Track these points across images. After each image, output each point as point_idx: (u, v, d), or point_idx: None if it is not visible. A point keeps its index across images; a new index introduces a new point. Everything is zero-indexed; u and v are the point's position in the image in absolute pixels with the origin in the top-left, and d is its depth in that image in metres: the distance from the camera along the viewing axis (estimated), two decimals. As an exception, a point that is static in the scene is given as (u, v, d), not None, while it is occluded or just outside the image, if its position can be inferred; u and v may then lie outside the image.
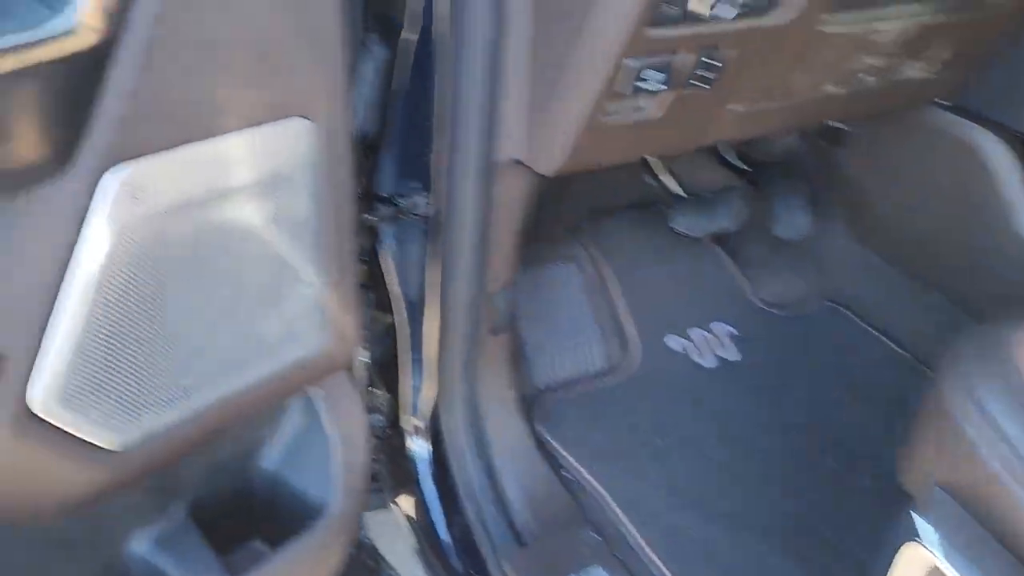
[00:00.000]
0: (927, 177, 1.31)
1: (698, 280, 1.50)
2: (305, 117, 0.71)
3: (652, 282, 1.46)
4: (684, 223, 1.47)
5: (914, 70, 1.10)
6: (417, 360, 1.10)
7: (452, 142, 0.96)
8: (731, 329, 1.43)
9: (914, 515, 0.74)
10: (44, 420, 0.65)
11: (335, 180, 0.76)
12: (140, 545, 0.88)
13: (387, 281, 1.07)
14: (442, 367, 1.11)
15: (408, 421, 1.14)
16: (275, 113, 0.69)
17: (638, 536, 1.11)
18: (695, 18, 0.85)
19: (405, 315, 1.09)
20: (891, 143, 1.33)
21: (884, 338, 1.40)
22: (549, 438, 1.22)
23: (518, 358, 1.19)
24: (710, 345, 1.40)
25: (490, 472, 1.13)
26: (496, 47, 0.89)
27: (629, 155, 1.10)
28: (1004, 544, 0.69)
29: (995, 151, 1.18)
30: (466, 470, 1.13)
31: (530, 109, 0.93)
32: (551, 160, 0.95)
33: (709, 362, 1.38)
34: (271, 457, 0.95)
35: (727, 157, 1.54)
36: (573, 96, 0.89)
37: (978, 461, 0.70)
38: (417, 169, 1.00)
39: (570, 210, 1.38)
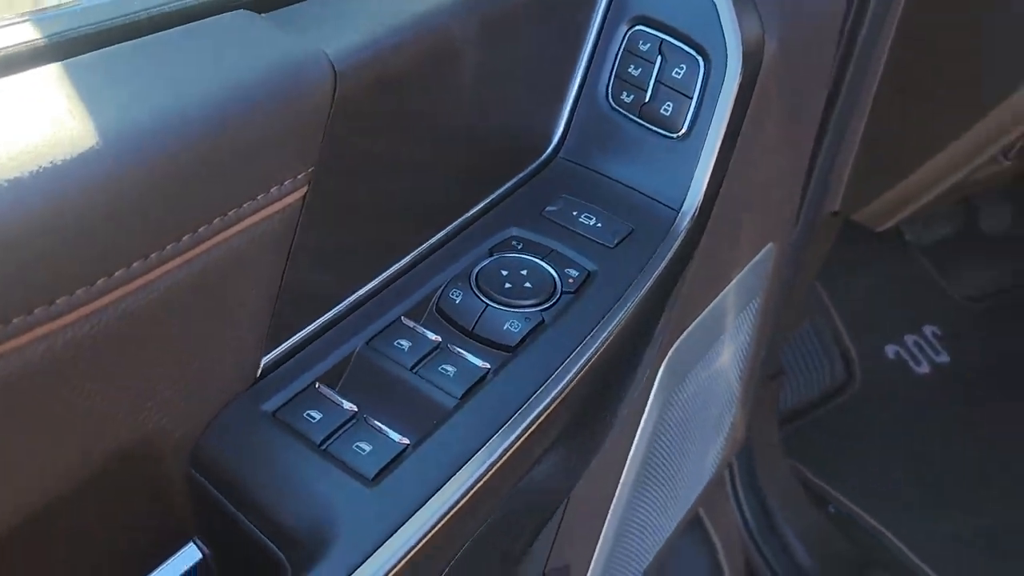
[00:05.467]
0: None
1: (901, 283, 1.42)
2: (775, 241, 0.69)
3: (861, 290, 1.36)
4: (914, 235, 1.40)
5: None
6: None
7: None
8: (936, 329, 1.37)
9: None
10: None
11: (780, 287, 0.74)
12: None
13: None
14: None
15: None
16: (758, 245, 0.66)
17: (928, 569, 1.06)
18: None
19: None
20: None
21: None
22: (809, 475, 1.14)
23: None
24: (923, 349, 1.34)
25: (770, 522, 1.05)
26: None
27: (954, 201, 1.09)
28: None
29: None
30: (748, 523, 1.04)
31: (871, 173, 0.83)
32: (887, 218, 0.93)
33: (923, 368, 1.32)
34: None
35: None
36: (946, 165, 0.81)
37: None
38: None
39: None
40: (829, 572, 1.05)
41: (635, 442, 0.58)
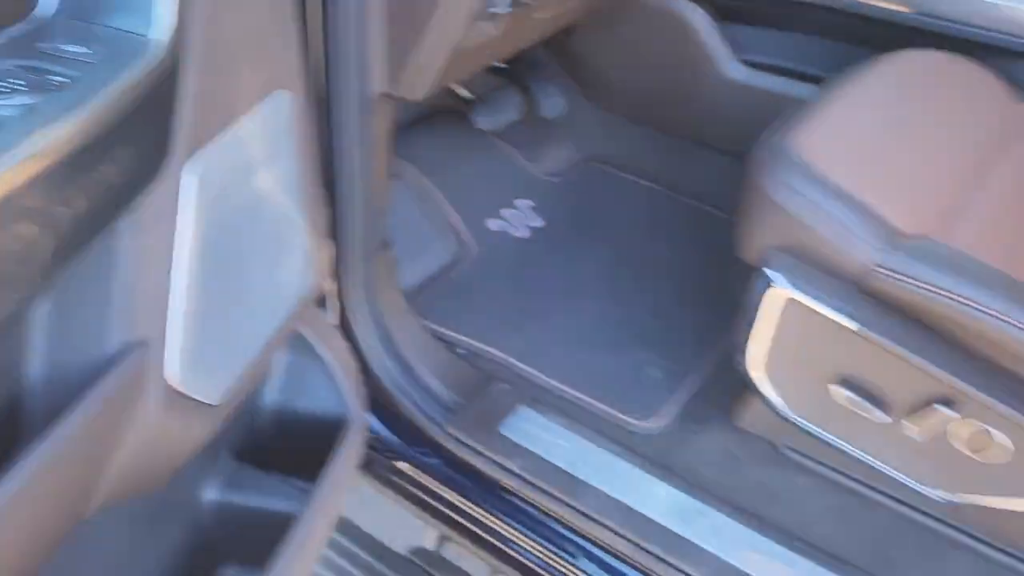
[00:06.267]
0: (646, 45, 1.62)
1: (492, 169, 1.73)
2: (287, 89, 0.84)
3: (461, 177, 1.66)
4: (485, 121, 1.70)
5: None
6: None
7: (330, 81, 1.04)
8: (530, 202, 1.69)
9: (765, 271, 1.06)
10: (177, 391, 0.76)
11: (306, 135, 0.89)
12: (213, 493, 1.02)
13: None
14: (346, 286, 1.20)
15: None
16: (268, 89, 0.82)
17: (537, 373, 1.35)
18: None
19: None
20: (613, 23, 1.61)
21: (640, 180, 1.75)
22: (436, 327, 1.40)
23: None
24: (520, 219, 1.65)
25: (407, 368, 1.28)
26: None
27: (473, 70, 1.30)
28: (825, 270, 1.03)
29: (695, 14, 1.53)
30: (387, 370, 1.26)
31: (396, 45, 1.04)
32: (420, 88, 1.09)
33: (523, 233, 1.63)
34: (268, 391, 1.09)
35: None
36: (442, 28, 1.02)
37: (792, 219, 1.03)
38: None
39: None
40: (460, 393, 1.28)
41: (178, 235, 0.73)
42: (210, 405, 0.82)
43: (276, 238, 0.90)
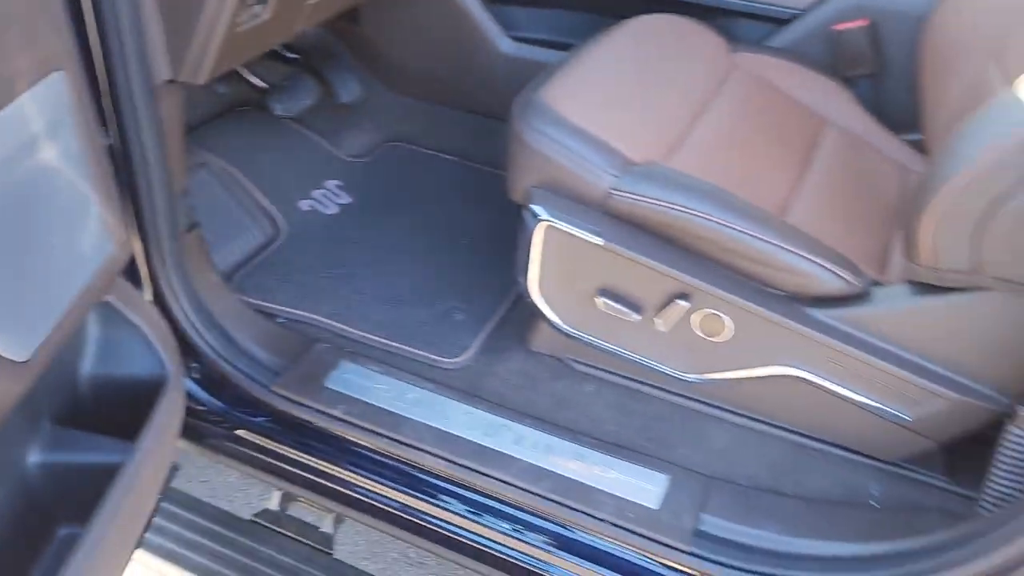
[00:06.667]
0: (426, 29, 1.79)
1: (299, 154, 1.85)
2: (63, 71, 0.89)
3: (268, 165, 1.77)
4: (281, 108, 1.83)
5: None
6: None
7: (112, 74, 1.11)
8: (338, 182, 1.82)
9: (530, 206, 1.23)
10: None
11: (87, 114, 0.95)
12: (35, 456, 1.06)
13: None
14: (156, 264, 1.28)
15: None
16: (43, 70, 0.87)
17: (354, 330, 1.47)
18: None
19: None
20: (394, 9, 1.76)
21: (438, 153, 1.92)
22: (255, 300, 1.50)
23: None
24: (329, 198, 1.78)
25: (228, 338, 1.36)
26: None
27: (252, 54, 1.36)
28: (574, 198, 1.22)
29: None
30: (208, 342, 1.35)
31: (173, 32, 1.12)
32: (201, 72, 1.17)
33: (333, 210, 1.76)
34: (86, 361, 1.14)
35: (279, 51, 1.88)
36: (213, 11, 1.12)
37: (544, 158, 1.21)
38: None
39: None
40: (284, 357, 1.37)
41: None
42: (16, 362, 0.86)
43: (68, 209, 0.95)
